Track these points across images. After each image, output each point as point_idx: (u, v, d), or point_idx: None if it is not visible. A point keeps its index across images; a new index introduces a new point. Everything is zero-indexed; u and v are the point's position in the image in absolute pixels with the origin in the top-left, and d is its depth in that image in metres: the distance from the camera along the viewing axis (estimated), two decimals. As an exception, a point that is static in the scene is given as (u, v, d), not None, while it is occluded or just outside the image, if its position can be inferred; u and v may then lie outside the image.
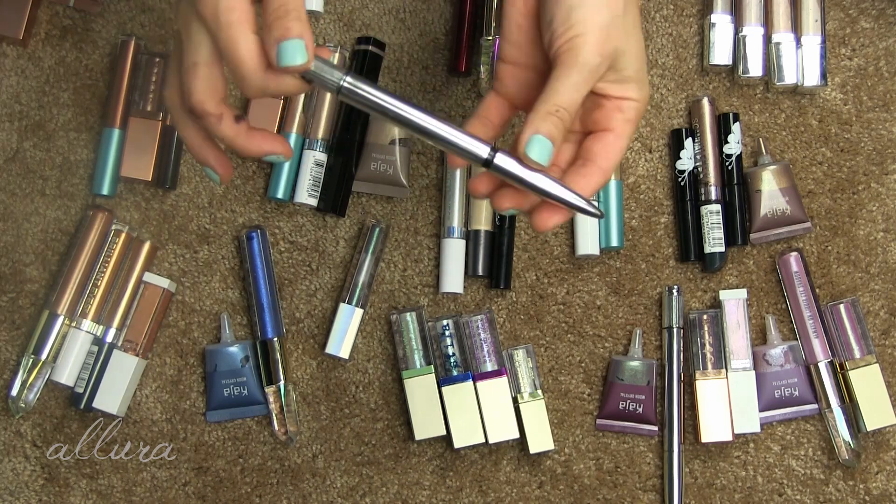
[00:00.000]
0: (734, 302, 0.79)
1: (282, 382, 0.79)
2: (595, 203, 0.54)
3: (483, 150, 0.54)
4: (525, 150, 0.53)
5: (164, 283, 0.79)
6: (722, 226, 0.79)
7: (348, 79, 0.53)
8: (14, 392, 0.79)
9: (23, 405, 0.79)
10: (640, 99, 0.57)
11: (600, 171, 0.56)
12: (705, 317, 0.79)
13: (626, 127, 0.57)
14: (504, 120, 0.60)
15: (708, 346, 0.79)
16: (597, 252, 0.79)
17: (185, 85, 0.53)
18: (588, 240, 0.79)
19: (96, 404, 0.78)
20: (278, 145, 0.56)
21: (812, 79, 0.80)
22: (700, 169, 0.80)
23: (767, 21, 0.81)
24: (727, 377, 0.78)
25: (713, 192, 0.79)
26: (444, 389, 0.78)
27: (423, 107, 0.55)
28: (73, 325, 0.79)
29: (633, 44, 0.56)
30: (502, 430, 0.78)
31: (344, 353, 0.79)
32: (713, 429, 0.78)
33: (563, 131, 0.54)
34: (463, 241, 0.79)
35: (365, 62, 0.80)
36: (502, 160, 0.54)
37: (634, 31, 0.56)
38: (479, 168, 0.55)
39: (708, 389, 0.78)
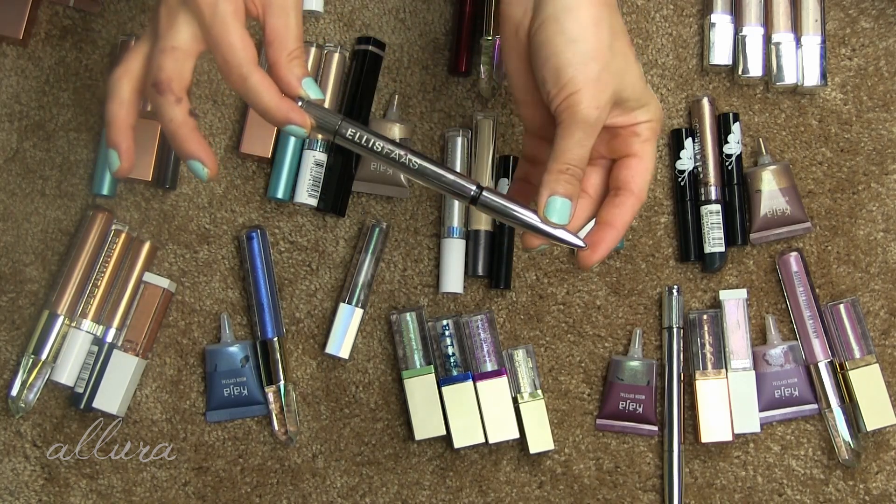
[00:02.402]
0: (734, 302, 0.79)
1: (282, 382, 0.79)
2: (579, 235, 0.57)
3: (469, 188, 0.57)
4: (545, 213, 0.55)
5: (164, 283, 0.79)
6: (722, 226, 0.79)
7: (344, 123, 0.56)
8: (14, 392, 0.79)
9: (23, 405, 0.79)
10: (652, 118, 0.58)
11: (633, 196, 0.58)
12: (705, 317, 0.79)
13: (646, 147, 0.58)
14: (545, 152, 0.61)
15: (708, 346, 0.79)
16: (597, 252, 0.79)
17: (156, 62, 0.55)
18: (588, 240, 0.79)
19: (96, 404, 0.78)
20: (209, 158, 0.56)
21: (812, 79, 0.80)
22: (700, 169, 0.80)
23: (767, 21, 0.81)
24: (727, 377, 0.78)
25: (713, 192, 0.79)
26: (444, 389, 0.78)
27: (414, 148, 0.57)
28: (73, 325, 0.79)
29: (629, 75, 0.57)
30: (502, 430, 0.78)
31: (344, 353, 0.79)
32: (713, 429, 0.78)
33: (578, 185, 0.56)
34: (463, 241, 0.79)
35: (365, 62, 0.80)
36: (489, 197, 0.57)
37: (627, 64, 0.57)
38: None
39: (708, 389, 0.78)
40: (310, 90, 0.56)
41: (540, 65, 0.55)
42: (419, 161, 0.57)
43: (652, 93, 0.59)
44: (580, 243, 0.57)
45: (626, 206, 0.58)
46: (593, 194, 0.60)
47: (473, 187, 0.57)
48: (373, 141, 0.57)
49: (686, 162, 0.80)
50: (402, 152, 0.57)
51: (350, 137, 0.56)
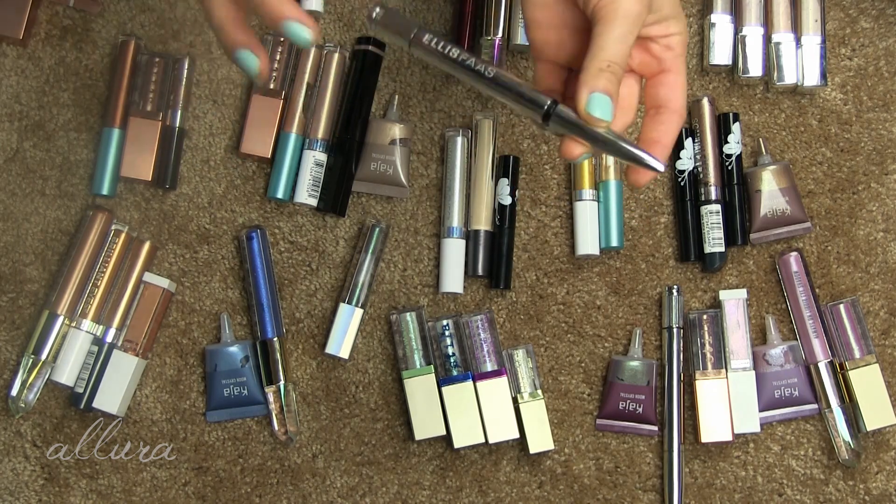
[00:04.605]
0: (734, 302, 0.79)
1: (282, 382, 0.79)
2: (652, 154, 0.56)
3: (544, 101, 0.55)
4: (587, 109, 0.54)
5: (164, 283, 0.79)
6: (722, 226, 0.79)
7: (418, 30, 0.56)
8: (14, 392, 0.79)
9: (23, 405, 0.79)
10: (682, 31, 0.58)
11: (675, 114, 0.57)
12: (705, 317, 0.79)
13: (679, 62, 0.58)
14: (562, 81, 0.60)
15: (708, 346, 0.79)
16: (597, 252, 0.79)
17: None
18: (588, 240, 0.79)
19: (96, 404, 0.78)
20: (307, 18, 0.55)
21: (812, 79, 0.80)
22: (700, 169, 0.80)
23: (767, 21, 0.81)
24: (727, 377, 0.78)
25: (713, 192, 0.79)
26: (444, 389, 0.78)
27: (488, 62, 0.56)
28: (73, 325, 0.79)
29: None
30: (502, 430, 0.78)
31: (344, 353, 0.79)
32: (713, 429, 0.78)
33: (617, 85, 0.54)
34: (463, 241, 0.79)
35: (365, 62, 0.80)
36: (563, 110, 0.55)
37: None
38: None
39: (708, 389, 0.78)
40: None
41: None
42: (494, 69, 0.56)
43: (680, 8, 0.58)
44: (658, 163, 0.55)
45: (671, 123, 0.57)
46: (629, 105, 0.58)
47: (549, 101, 0.55)
48: (449, 48, 0.56)
49: (686, 162, 0.80)
50: (477, 61, 0.56)
51: (426, 43, 0.56)
